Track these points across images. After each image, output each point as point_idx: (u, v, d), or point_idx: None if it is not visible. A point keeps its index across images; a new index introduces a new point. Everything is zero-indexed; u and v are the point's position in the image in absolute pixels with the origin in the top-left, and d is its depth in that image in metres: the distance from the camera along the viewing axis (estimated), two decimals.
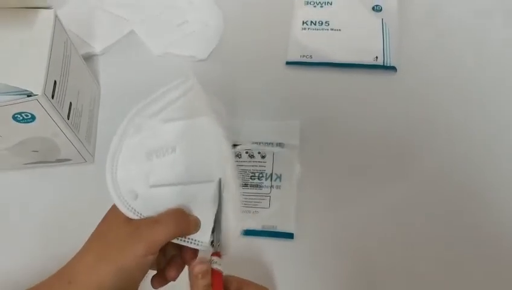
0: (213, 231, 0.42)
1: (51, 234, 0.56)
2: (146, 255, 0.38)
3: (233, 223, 0.43)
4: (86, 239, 0.54)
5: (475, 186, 0.56)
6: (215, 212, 0.42)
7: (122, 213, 0.40)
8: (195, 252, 0.42)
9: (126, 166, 0.41)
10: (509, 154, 0.58)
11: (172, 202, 0.41)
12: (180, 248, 0.42)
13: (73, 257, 0.40)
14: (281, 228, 0.54)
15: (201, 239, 0.41)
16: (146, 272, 0.40)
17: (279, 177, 0.57)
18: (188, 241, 0.41)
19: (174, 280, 0.43)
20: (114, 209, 0.41)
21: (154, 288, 0.43)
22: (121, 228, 0.39)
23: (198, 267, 0.39)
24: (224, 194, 0.42)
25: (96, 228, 0.41)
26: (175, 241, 0.40)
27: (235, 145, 0.59)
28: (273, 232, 0.54)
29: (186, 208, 0.41)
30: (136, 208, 0.40)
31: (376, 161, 0.58)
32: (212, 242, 0.41)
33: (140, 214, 0.40)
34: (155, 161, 0.42)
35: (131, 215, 0.40)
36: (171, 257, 0.43)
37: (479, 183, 0.56)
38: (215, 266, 0.40)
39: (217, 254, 0.41)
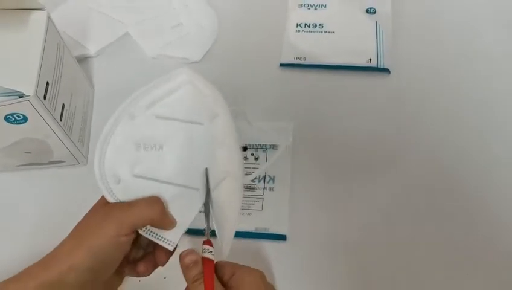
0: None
1: (43, 236, 0.55)
2: (118, 236, 0.39)
3: (232, 224, 0.44)
4: None
5: (468, 187, 0.56)
6: (191, 219, 0.42)
7: (103, 200, 0.41)
8: (167, 254, 0.43)
9: (115, 150, 0.42)
10: (503, 155, 0.58)
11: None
12: (155, 246, 0.43)
13: (60, 243, 0.41)
14: (273, 230, 0.54)
15: (172, 239, 0.41)
16: (121, 254, 0.41)
17: (272, 179, 0.57)
18: (158, 238, 0.41)
19: (144, 276, 0.44)
20: (100, 199, 0.43)
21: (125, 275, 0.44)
22: (97, 211, 0.41)
23: (187, 258, 0.40)
24: (226, 197, 0.43)
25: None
26: (146, 235, 0.41)
27: None
28: (266, 234, 0.54)
29: (164, 203, 0.42)
30: (115, 192, 0.41)
31: (369, 162, 0.58)
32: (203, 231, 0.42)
33: (118, 199, 0.41)
34: (142, 153, 0.43)
35: (109, 197, 0.41)
36: (145, 254, 0.44)
37: (473, 184, 0.56)
38: (206, 255, 0.40)
39: (208, 242, 0.41)
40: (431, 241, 0.53)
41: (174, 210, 0.42)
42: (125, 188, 0.42)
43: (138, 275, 0.44)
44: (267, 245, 0.54)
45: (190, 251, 0.41)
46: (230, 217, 0.44)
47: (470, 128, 0.60)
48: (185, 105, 0.45)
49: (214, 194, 0.43)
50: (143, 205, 0.41)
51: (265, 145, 0.59)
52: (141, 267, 0.43)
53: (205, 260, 0.40)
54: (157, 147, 0.43)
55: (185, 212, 0.42)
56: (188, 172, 0.43)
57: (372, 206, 0.55)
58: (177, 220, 0.42)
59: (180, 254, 0.41)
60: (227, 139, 0.45)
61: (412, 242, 0.53)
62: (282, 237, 0.53)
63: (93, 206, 0.43)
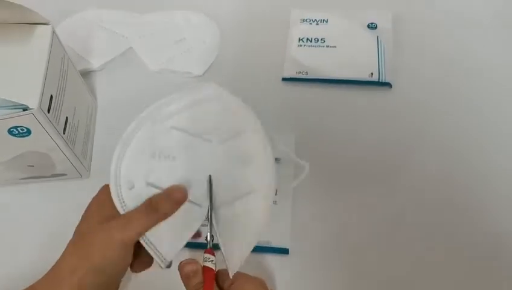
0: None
1: (46, 249, 0.55)
2: (121, 255, 0.40)
3: (243, 242, 0.43)
4: None
5: (470, 197, 0.56)
6: (191, 235, 0.42)
7: (95, 213, 0.42)
8: (145, 265, 0.43)
9: (133, 155, 0.43)
10: (504, 165, 0.58)
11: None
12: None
13: (60, 258, 0.42)
14: (276, 243, 0.54)
15: (167, 256, 0.41)
16: (126, 265, 0.41)
17: (275, 192, 0.57)
18: (155, 251, 0.41)
19: (136, 272, 0.44)
20: (89, 207, 0.43)
21: None
22: (96, 231, 0.41)
23: (187, 268, 0.40)
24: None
25: (77, 228, 0.43)
26: (144, 244, 0.41)
27: None
28: (268, 247, 0.53)
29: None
30: (125, 197, 0.42)
31: (371, 175, 0.58)
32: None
33: (125, 205, 0.41)
34: (157, 161, 0.43)
35: (117, 203, 0.41)
36: (140, 251, 0.44)
37: (475, 193, 0.56)
38: (206, 264, 0.40)
39: (209, 250, 0.41)
40: (437, 254, 0.53)
41: (175, 224, 0.42)
42: (137, 195, 0.42)
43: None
44: (270, 258, 0.53)
45: (190, 261, 0.41)
46: (242, 234, 0.43)
47: (472, 140, 0.60)
48: (205, 120, 0.45)
49: (228, 208, 0.43)
50: (141, 218, 0.41)
51: None
52: (135, 266, 0.43)
53: (206, 269, 0.40)
54: (170, 157, 0.43)
55: (185, 227, 0.42)
56: (194, 187, 0.43)
57: (374, 219, 0.55)
58: (176, 234, 0.42)
59: (180, 263, 0.41)
60: (256, 156, 0.45)
61: (415, 254, 0.53)
62: (284, 251, 0.53)
63: (88, 219, 0.42)
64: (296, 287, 0.52)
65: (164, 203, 0.42)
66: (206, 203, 0.43)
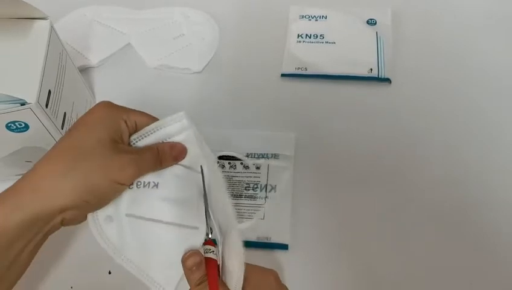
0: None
1: (43, 244, 0.55)
2: (122, 185, 0.39)
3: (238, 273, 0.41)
4: (76, 249, 0.54)
5: (469, 195, 0.56)
6: (178, 262, 0.40)
7: (105, 134, 0.39)
8: None
9: None
10: (504, 163, 0.58)
11: (144, 235, 0.41)
12: None
13: (39, 163, 0.39)
14: (275, 239, 0.53)
15: (166, 286, 0.41)
16: (114, 197, 0.40)
17: (274, 188, 0.57)
18: (149, 280, 0.41)
19: None
20: (87, 119, 0.41)
21: None
22: (105, 148, 0.38)
23: (190, 261, 0.39)
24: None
25: (66, 138, 0.40)
26: (134, 273, 0.41)
27: (230, 157, 0.59)
28: (267, 243, 0.53)
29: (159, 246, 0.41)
30: (106, 231, 0.41)
31: (370, 171, 0.58)
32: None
33: (109, 241, 0.40)
34: (135, 190, 0.41)
35: (99, 240, 0.40)
36: None
37: (473, 192, 0.56)
38: (208, 255, 0.39)
39: (209, 242, 0.40)
40: (433, 250, 0.53)
41: (170, 250, 0.41)
42: (118, 227, 0.41)
43: None
44: (269, 254, 0.53)
45: (193, 253, 0.39)
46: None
47: (471, 137, 0.60)
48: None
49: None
50: (151, 159, 0.41)
51: (267, 154, 0.59)
52: None
53: (208, 261, 0.39)
54: (151, 184, 0.42)
55: (174, 251, 0.41)
56: (185, 211, 0.42)
57: (374, 215, 0.55)
58: (173, 260, 0.40)
59: (183, 256, 0.40)
60: (214, 191, 0.44)
61: (415, 251, 0.53)
62: (284, 247, 0.53)
63: (89, 132, 0.39)
64: (296, 282, 0.51)
65: (168, 160, 0.41)
66: (203, 225, 0.41)
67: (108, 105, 0.42)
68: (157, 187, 0.41)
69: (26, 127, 0.49)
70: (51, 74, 0.51)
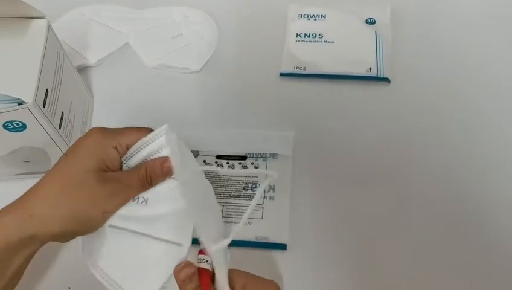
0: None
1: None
2: (110, 213, 0.40)
3: None
4: (74, 249, 0.54)
5: (469, 194, 0.56)
6: (165, 279, 0.40)
7: (93, 164, 0.40)
8: None
9: None
10: (505, 162, 0.58)
11: (123, 248, 0.41)
12: None
13: (33, 189, 0.40)
14: (274, 239, 0.53)
15: None
16: (101, 225, 0.41)
17: (273, 188, 0.57)
18: None
19: None
20: (79, 147, 0.41)
21: None
22: (93, 179, 0.39)
23: (183, 273, 0.39)
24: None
25: (58, 166, 0.41)
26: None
27: (229, 157, 0.59)
28: (266, 243, 0.53)
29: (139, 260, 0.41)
30: (87, 240, 0.41)
31: (369, 171, 0.58)
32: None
33: (88, 249, 0.41)
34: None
35: (82, 245, 0.41)
36: None
37: (473, 191, 0.56)
38: (202, 265, 0.39)
39: (203, 251, 0.40)
40: (432, 250, 0.53)
41: (149, 265, 0.40)
42: (99, 237, 0.41)
43: None
44: (268, 254, 0.53)
45: (186, 264, 0.39)
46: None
47: (471, 137, 0.60)
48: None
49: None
50: (136, 185, 0.41)
51: (266, 154, 0.59)
52: None
53: (202, 272, 0.39)
54: (140, 200, 0.42)
55: (164, 267, 0.40)
56: (171, 226, 0.41)
57: (372, 215, 0.55)
58: (151, 274, 0.40)
59: (175, 269, 0.40)
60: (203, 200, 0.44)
61: (413, 251, 0.53)
62: (282, 246, 0.53)
63: (79, 159, 0.40)
64: (294, 282, 0.51)
65: (159, 177, 0.41)
66: (187, 242, 0.41)
67: (99, 132, 0.42)
68: (146, 203, 0.42)
69: (24, 126, 0.49)
70: (49, 73, 0.51)
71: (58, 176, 0.40)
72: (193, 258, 0.40)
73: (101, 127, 0.43)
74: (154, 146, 0.42)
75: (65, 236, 0.40)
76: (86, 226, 0.40)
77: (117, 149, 0.42)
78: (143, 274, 0.41)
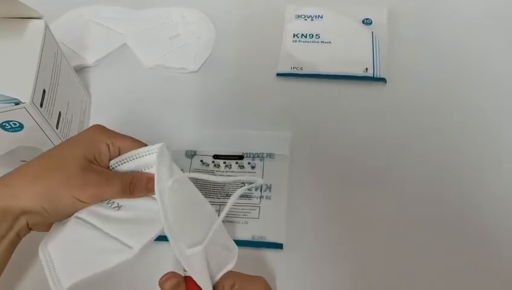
0: None
1: (37, 243, 0.55)
2: (82, 203, 0.40)
3: None
4: None
5: (466, 195, 0.56)
6: (98, 269, 0.40)
7: (81, 151, 0.41)
8: None
9: None
10: (504, 163, 0.58)
11: (74, 236, 0.41)
12: None
13: (23, 164, 0.41)
14: (270, 239, 0.53)
15: (63, 283, 0.39)
16: (72, 212, 0.41)
17: (269, 187, 0.57)
18: (50, 272, 0.40)
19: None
20: (76, 138, 0.43)
21: None
22: (76, 165, 0.40)
23: (167, 284, 0.39)
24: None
25: (52, 149, 0.43)
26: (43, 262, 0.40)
27: (225, 156, 0.59)
28: (262, 242, 0.53)
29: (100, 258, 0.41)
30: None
31: (366, 171, 0.58)
32: None
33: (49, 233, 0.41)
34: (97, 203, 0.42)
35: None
36: None
37: (470, 192, 0.56)
38: (187, 273, 0.39)
39: None
40: (430, 250, 0.53)
41: (94, 255, 0.40)
42: (63, 226, 0.41)
43: None
44: (264, 253, 0.53)
45: (170, 276, 0.39)
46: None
47: (468, 137, 0.60)
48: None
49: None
50: (117, 186, 0.41)
51: (262, 153, 0.59)
52: None
53: (188, 280, 0.39)
54: (114, 204, 0.42)
55: (104, 260, 0.40)
56: (129, 228, 0.41)
57: (369, 214, 0.55)
58: (90, 263, 0.40)
59: (160, 280, 0.39)
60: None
61: (410, 251, 0.53)
62: (279, 246, 0.53)
63: (71, 150, 0.42)
64: (290, 282, 0.52)
65: (142, 190, 0.42)
66: (138, 247, 0.41)
67: (98, 128, 0.44)
68: (118, 209, 0.42)
69: (21, 126, 0.49)
70: (46, 73, 0.51)
71: (44, 159, 0.42)
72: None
73: (100, 125, 0.44)
74: (145, 161, 0.43)
75: (35, 215, 0.40)
76: (55, 207, 0.40)
77: (109, 147, 0.43)
78: (80, 261, 0.40)
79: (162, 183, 0.41)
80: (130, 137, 0.44)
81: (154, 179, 0.41)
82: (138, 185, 0.42)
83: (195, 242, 0.40)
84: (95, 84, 0.68)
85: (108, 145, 0.43)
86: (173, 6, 0.74)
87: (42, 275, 0.40)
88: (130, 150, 0.43)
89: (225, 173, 0.58)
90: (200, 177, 0.43)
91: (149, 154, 0.43)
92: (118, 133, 0.44)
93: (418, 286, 0.51)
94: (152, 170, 0.43)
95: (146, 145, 0.44)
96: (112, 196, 0.42)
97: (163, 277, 0.39)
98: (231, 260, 0.43)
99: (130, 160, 0.43)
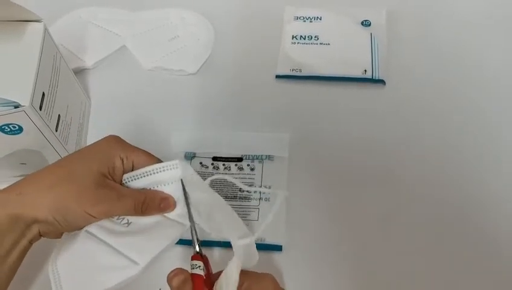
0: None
1: (37, 246, 0.55)
2: (94, 218, 0.41)
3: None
4: None
5: (465, 196, 0.56)
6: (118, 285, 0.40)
7: (96, 165, 0.41)
8: None
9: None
10: (503, 164, 0.58)
11: (84, 250, 0.41)
12: None
13: (36, 172, 0.42)
14: (269, 240, 0.54)
15: None
16: (83, 225, 0.42)
17: (269, 189, 0.57)
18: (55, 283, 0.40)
19: None
20: (90, 149, 0.43)
21: None
22: (90, 179, 0.41)
23: (175, 281, 0.39)
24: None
25: (65, 159, 0.44)
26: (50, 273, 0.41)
27: (225, 158, 0.59)
28: (261, 244, 0.53)
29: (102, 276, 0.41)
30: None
31: (365, 172, 0.58)
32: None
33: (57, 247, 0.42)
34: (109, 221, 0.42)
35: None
36: None
37: (469, 192, 0.56)
38: (195, 271, 0.39)
39: (195, 257, 0.40)
40: (430, 250, 0.53)
41: (101, 271, 0.40)
42: (73, 239, 0.42)
43: None
44: (263, 255, 0.52)
45: (177, 272, 0.39)
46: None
47: (468, 138, 0.60)
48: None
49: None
50: (130, 203, 0.41)
51: (261, 155, 0.59)
52: None
53: (195, 277, 0.39)
54: (123, 221, 0.43)
55: (111, 277, 0.40)
56: (136, 245, 0.41)
57: (368, 216, 0.55)
58: (98, 280, 0.40)
59: (168, 276, 0.40)
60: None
61: (410, 251, 0.53)
62: (278, 248, 0.53)
63: (84, 163, 0.42)
64: (290, 283, 0.52)
65: (154, 209, 0.42)
66: (144, 263, 0.41)
67: (113, 140, 0.44)
68: (127, 225, 0.42)
69: (20, 129, 0.49)
70: (45, 76, 0.51)
71: (59, 169, 0.42)
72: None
73: (117, 136, 0.44)
74: (159, 177, 0.43)
75: (48, 225, 0.40)
76: (67, 220, 0.40)
77: (123, 161, 0.43)
78: (87, 279, 0.40)
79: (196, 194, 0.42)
80: (145, 151, 0.44)
81: (167, 199, 0.42)
82: (151, 204, 0.42)
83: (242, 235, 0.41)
84: (94, 86, 0.68)
85: (122, 159, 0.43)
86: (172, 8, 0.74)
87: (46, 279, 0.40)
88: (144, 165, 0.43)
89: (224, 175, 0.58)
90: (230, 180, 0.44)
91: (164, 170, 0.43)
92: (133, 147, 0.44)
93: (418, 286, 0.51)
94: (166, 188, 0.43)
95: (160, 160, 0.44)
96: (123, 213, 0.42)
97: (171, 272, 0.40)
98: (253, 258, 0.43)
99: (144, 176, 0.43)
